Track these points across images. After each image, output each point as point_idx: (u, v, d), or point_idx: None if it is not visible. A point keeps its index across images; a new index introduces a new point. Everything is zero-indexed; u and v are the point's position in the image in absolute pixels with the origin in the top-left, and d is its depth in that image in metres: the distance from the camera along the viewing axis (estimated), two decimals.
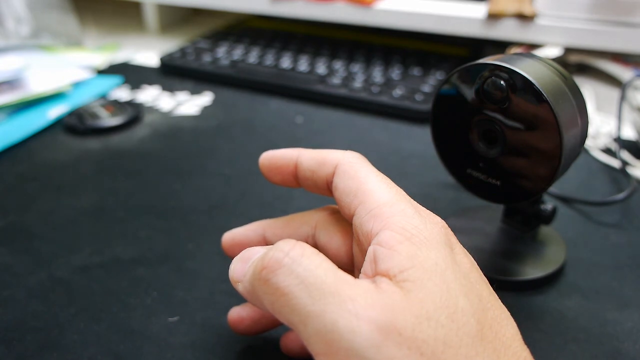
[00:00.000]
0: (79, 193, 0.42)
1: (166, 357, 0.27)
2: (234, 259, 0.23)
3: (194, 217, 0.39)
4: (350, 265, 0.25)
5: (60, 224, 0.38)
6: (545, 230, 0.35)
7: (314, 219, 0.26)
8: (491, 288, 0.21)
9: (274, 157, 0.26)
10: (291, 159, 0.26)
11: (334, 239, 0.25)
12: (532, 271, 0.32)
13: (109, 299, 0.31)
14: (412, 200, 0.22)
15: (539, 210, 0.34)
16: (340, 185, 0.23)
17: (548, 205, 0.34)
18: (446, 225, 0.22)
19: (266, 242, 0.27)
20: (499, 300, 0.21)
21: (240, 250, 0.24)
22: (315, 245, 0.26)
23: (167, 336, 0.29)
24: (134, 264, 0.34)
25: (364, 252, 0.21)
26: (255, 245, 0.24)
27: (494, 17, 0.58)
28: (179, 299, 0.31)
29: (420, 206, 0.22)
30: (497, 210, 0.36)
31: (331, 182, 0.24)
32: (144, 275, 0.33)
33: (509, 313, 0.21)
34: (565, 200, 0.40)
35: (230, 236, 0.28)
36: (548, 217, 0.33)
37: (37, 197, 0.41)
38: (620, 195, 0.39)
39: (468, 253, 0.22)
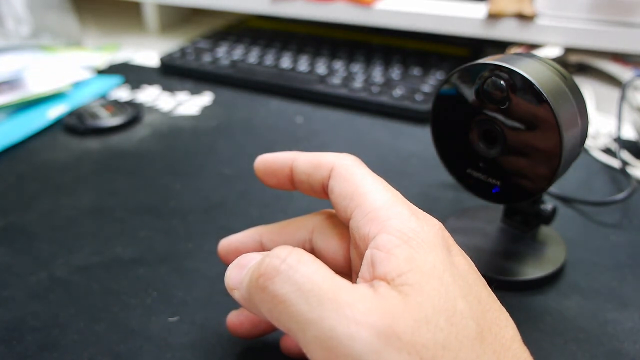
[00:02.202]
0: (79, 193, 0.42)
1: (166, 357, 0.27)
2: (230, 265, 0.23)
3: (194, 217, 0.39)
4: (348, 269, 0.25)
5: (60, 224, 0.38)
6: (545, 230, 0.35)
7: (310, 224, 0.26)
8: (490, 289, 0.21)
9: (269, 161, 0.26)
10: (286, 162, 0.26)
11: (331, 243, 0.25)
12: (532, 271, 0.32)
13: (109, 299, 0.31)
14: (408, 202, 0.22)
15: (539, 210, 0.34)
16: (336, 188, 0.23)
17: (548, 205, 0.34)
18: (443, 227, 0.22)
19: (263, 248, 0.27)
20: (498, 302, 0.21)
21: (237, 257, 0.23)
22: (312, 250, 0.26)
23: (167, 336, 0.29)
24: (134, 264, 0.34)
25: (361, 256, 0.21)
26: (252, 252, 0.24)
27: (494, 17, 0.58)
28: (179, 299, 0.31)
29: (417, 208, 0.22)
30: (497, 210, 0.36)
31: (327, 185, 0.24)
32: (144, 275, 0.33)
33: (508, 314, 0.21)
34: (565, 200, 0.40)
35: (226, 243, 0.28)
36: (548, 217, 0.33)
37: (37, 197, 0.41)
38: (620, 195, 0.39)
39: (466, 254, 0.22)
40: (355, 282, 0.20)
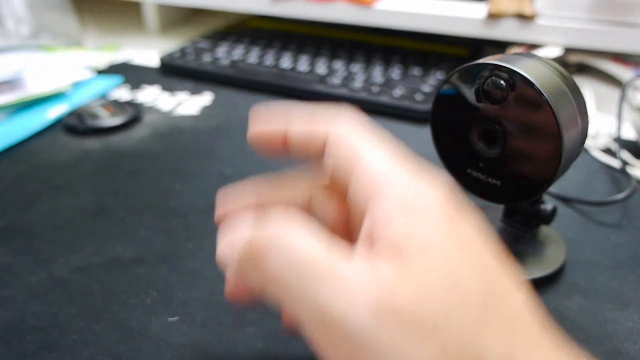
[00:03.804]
0: (79, 193, 0.42)
1: (166, 357, 0.27)
2: (221, 240, 0.22)
3: (194, 217, 0.39)
4: (348, 236, 0.23)
5: (60, 224, 0.38)
6: (545, 230, 0.35)
7: (309, 186, 0.25)
8: (498, 257, 0.19)
9: (262, 135, 0.25)
10: (280, 134, 0.24)
11: (330, 209, 0.24)
12: (532, 271, 0.32)
13: (109, 299, 0.31)
14: (409, 164, 0.21)
15: (539, 210, 0.33)
16: (331, 160, 0.22)
17: (548, 205, 0.34)
18: (449, 190, 0.20)
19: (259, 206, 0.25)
20: (506, 269, 0.19)
21: (230, 217, 0.22)
22: (312, 210, 0.24)
23: (167, 336, 0.29)
24: (134, 264, 0.34)
25: (359, 225, 0.20)
26: (247, 211, 0.23)
27: (494, 17, 0.58)
28: (179, 299, 0.31)
29: (419, 170, 0.20)
30: (497, 210, 0.36)
31: (323, 155, 0.23)
32: (144, 275, 0.33)
33: (518, 281, 0.19)
34: (565, 200, 0.40)
35: (222, 213, 0.26)
36: (548, 217, 0.33)
37: (37, 197, 0.41)
38: (620, 195, 0.39)
39: (475, 218, 0.20)
40: (353, 252, 0.19)
